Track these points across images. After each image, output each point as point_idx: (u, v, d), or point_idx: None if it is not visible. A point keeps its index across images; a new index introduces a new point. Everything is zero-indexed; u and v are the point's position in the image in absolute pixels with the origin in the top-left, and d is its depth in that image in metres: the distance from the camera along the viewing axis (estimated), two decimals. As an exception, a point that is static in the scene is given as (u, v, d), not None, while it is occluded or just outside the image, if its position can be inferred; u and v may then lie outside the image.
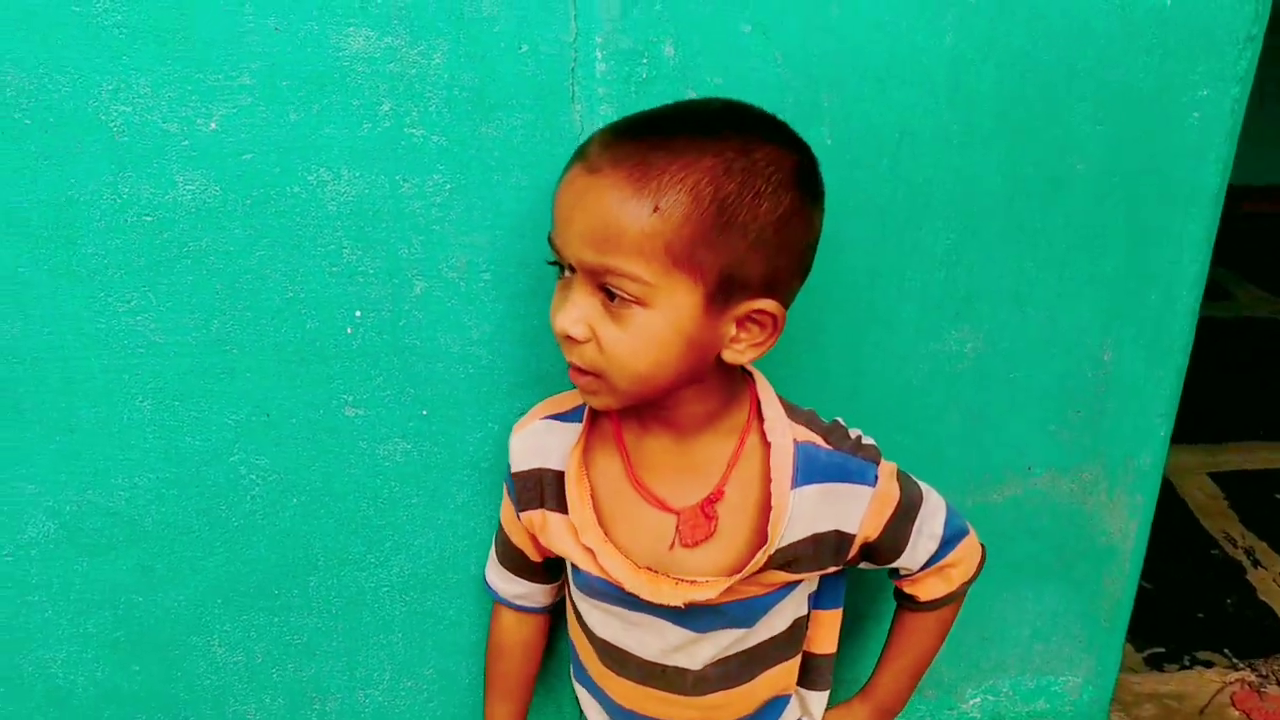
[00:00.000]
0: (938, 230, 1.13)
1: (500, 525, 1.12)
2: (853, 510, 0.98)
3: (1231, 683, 1.78)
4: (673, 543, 0.97)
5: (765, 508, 0.96)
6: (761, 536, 0.96)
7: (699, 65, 1.02)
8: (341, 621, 1.21)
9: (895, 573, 1.10)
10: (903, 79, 1.06)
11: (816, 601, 1.09)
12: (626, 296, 0.83)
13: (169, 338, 1.04)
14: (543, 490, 1.02)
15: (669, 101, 0.92)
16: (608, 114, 1.02)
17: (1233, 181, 1.18)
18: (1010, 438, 1.26)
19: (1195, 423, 2.58)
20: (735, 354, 0.88)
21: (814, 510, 0.96)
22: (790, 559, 0.97)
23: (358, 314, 1.06)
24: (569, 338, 0.86)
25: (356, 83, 0.98)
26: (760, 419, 0.97)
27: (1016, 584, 1.36)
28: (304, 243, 1.03)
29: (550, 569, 1.13)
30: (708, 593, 0.95)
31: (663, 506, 0.97)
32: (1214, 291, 3.65)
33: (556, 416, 1.03)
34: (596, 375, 0.88)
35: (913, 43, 1.05)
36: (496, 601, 1.16)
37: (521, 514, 1.05)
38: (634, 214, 0.80)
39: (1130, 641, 1.99)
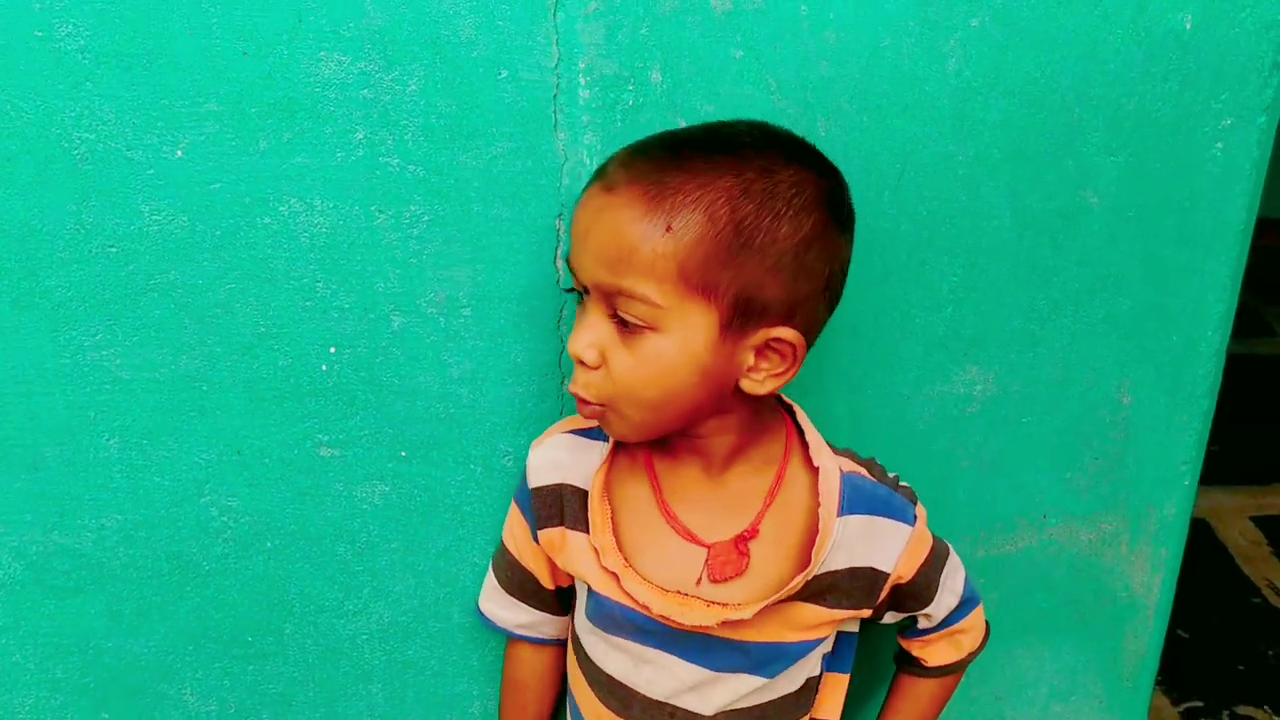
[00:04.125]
0: (943, 266, 1.07)
1: (504, 549, 1.07)
2: (890, 548, 0.95)
3: (1272, 739, 1.70)
4: (700, 578, 0.93)
5: (807, 535, 0.93)
6: (801, 564, 0.93)
7: (689, 92, 0.98)
8: (318, 671, 1.16)
9: (910, 630, 1.07)
10: (904, 107, 1.01)
11: (829, 663, 1.05)
12: (636, 321, 0.80)
13: (136, 374, 1.00)
14: (563, 507, 0.97)
15: (658, 129, 0.89)
16: (592, 143, 0.97)
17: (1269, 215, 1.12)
18: (1023, 485, 1.19)
19: (1237, 464, 2.48)
20: (754, 384, 0.85)
21: (855, 541, 0.94)
22: (825, 588, 0.94)
23: (332, 350, 1.02)
24: (581, 363, 0.84)
25: (329, 110, 0.94)
26: (803, 446, 0.95)
27: (1032, 640, 1.28)
28: (276, 276, 0.98)
29: (562, 599, 1.07)
30: (743, 613, 0.91)
31: (692, 539, 0.94)
32: (1259, 328, 3.56)
33: (581, 433, 0.99)
34: (603, 405, 0.85)
35: (914, 70, 1.00)
36: (510, 637, 1.11)
37: (540, 531, 0.99)
38: (646, 233, 0.78)
39: (1166, 694, 1.92)
